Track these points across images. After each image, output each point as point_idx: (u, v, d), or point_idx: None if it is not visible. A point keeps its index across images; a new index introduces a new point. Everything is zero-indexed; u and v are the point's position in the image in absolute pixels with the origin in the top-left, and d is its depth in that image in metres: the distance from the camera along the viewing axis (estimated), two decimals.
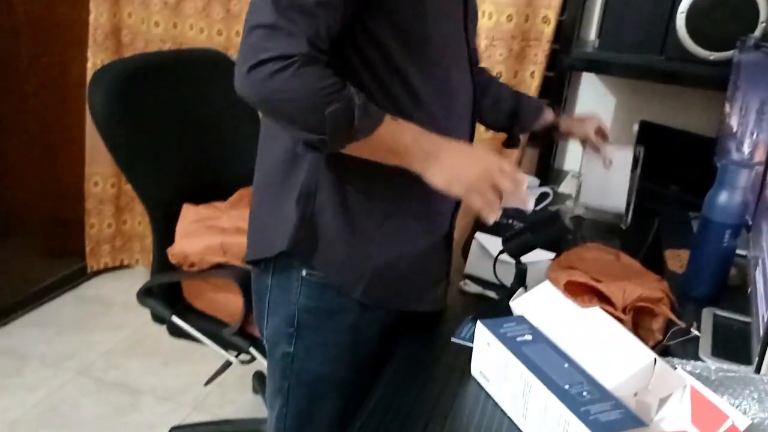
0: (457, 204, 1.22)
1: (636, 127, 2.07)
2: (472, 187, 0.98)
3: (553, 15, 2.04)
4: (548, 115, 1.44)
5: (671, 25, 1.83)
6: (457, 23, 1.10)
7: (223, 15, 2.39)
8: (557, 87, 1.96)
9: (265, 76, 0.88)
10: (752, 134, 1.42)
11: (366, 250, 1.09)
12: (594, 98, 2.20)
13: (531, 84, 2.13)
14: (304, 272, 1.10)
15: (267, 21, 0.89)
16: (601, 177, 1.59)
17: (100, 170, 2.64)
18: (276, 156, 1.09)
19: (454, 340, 1.15)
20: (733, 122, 1.63)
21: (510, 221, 1.54)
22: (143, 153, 1.63)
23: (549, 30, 2.07)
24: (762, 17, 1.74)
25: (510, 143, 1.47)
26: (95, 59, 2.50)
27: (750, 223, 1.32)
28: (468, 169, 0.98)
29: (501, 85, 1.44)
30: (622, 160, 1.58)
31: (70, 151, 2.62)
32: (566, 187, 1.94)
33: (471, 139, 1.19)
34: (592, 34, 2.14)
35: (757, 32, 1.74)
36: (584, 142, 1.47)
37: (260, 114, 1.03)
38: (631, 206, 1.67)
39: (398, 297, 1.15)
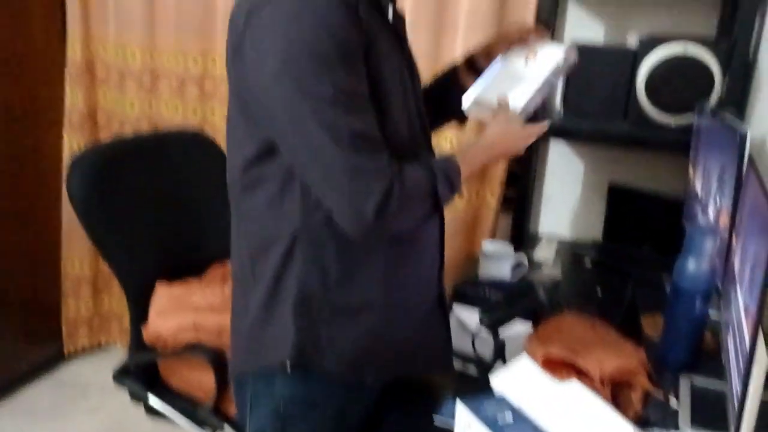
0: (441, 264, 1.27)
1: (605, 190, 2.12)
2: (523, 145, 1.23)
3: None
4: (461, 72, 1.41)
5: (632, 91, 1.89)
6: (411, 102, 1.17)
7: (198, 94, 2.43)
8: (526, 152, 2.00)
9: (390, 218, 1.00)
10: (715, 199, 1.46)
11: (365, 336, 1.13)
12: (563, 163, 2.26)
13: None
14: (288, 366, 1.10)
15: (347, 165, 0.97)
16: (513, 72, 1.32)
17: (77, 251, 2.62)
18: (264, 270, 1.11)
19: (436, 418, 1.15)
20: (698, 186, 1.68)
21: (486, 293, 1.56)
22: (120, 233, 1.65)
23: None
24: (717, 83, 1.81)
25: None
26: (71, 141, 2.52)
27: (720, 287, 1.35)
28: (514, 140, 1.22)
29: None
30: (546, 58, 1.30)
31: (46, 232, 2.60)
32: (541, 252, 1.97)
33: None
34: (557, 100, 2.21)
35: (713, 98, 1.81)
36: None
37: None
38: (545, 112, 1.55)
39: (408, 365, 1.20)
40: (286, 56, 0.96)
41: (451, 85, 1.41)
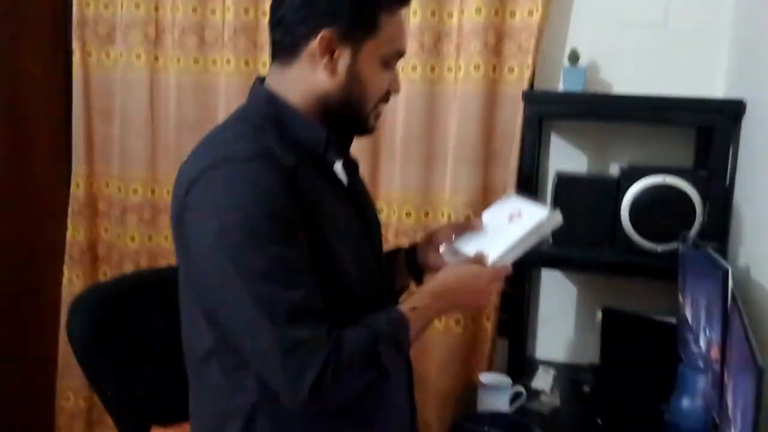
0: (410, 384, 1.26)
1: (599, 315, 2.14)
2: (486, 296, 1.21)
3: None
4: (401, 274, 1.42)
5: (617, 220, 1.96)
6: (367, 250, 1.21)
7: None
8: (519, 280, 2.05)
9: (328, 391, 0.97)
10: (705, 331, 1.49)
11: None
12: (556, 288, 2.30)
13: None
14: None
15: (281, 342, 0.96)
16: (495, 228, 1.36)
17: (72, 384, 2.59)
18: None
19: None
20: (688, 313, 1.71)
21: (485, 429, 1.55)
22: (117, 375, 1.64)
23: None
24: (698, 212, 1.88)
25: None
26: (71, 274, 2.55)
27: (717, 422, 1.35)
28: (475, 291, 1.18)
29: None
30: (529, 217, 1.34)
31: (41, 366, 2.59)
32: (539, 381, 1.97)
33: None
34: None
35: (696, 226, 1.87)
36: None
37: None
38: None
39: None
40: (220, 229, 0.98)
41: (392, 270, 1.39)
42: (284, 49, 1.13)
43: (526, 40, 2.13)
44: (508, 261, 1.25)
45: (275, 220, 0.99)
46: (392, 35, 1.14)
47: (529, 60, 2.11)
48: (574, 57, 2.08)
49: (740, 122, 1.86)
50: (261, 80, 1.19)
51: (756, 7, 1.83)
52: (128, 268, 2.50)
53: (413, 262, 1.40)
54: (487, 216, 1.40)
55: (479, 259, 1.22)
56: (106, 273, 2.56)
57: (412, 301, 1.13)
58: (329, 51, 1.10)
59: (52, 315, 2.54)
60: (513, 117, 2.14)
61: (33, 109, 2.53)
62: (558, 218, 1.33)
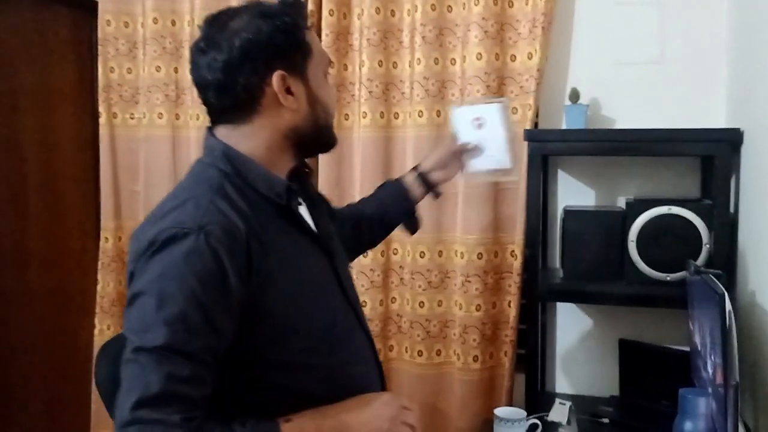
0: None
1: (616, 345, 2.16)
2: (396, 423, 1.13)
3: (519, 250, 2.23)
4: (415, 190, 1.64)
5: (625, 252, 1.99)
6: (331, 284, 1.24)
7: None
8: (532, 315, 2.08)
9: None
10: (711, 356, 1.51)
11: None
12: (571, 321, 2.32)
13: (509, 312, 2.26)
14: None
15: (135, 418, 0.94)
16: (477, 140, 1.66)
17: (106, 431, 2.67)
18: None
19: None
20: (697, 340, 1.73)
21: None
22: None
23: (518, 263, 2.24)
24: (704, 240, 1.91)
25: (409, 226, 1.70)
26: (102, 325, 2.65)
27: None
28: (379, 420, 1.12)
29: (361, 204, 1.68)
30: (490, 116, 1.66)
31: (74, 417, 2.67)
32: (556, 414, 1.99)
33: (379, 368, 1.32)
34: (558, 261, 2.31)
35: (703, 254, 1.90)
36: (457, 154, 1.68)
37: None
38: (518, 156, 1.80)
39: None
40: (148, 298, 1.00)
41: (402, 199, 1.62)
42: (234, 109, 1.14)
43: (527, 81, 2.21)
44: (514, 157, 1.64)
45: (206, 306, 1.00)
46: (318, 48, 1.21)
47: (531, 101, 2.19)
48: (574, 95, 2.16)
49: (739, 151, 1.90)
50: (210, 120, 1.19)
51: (750, 37, 1.89)
52: None
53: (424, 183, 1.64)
54: (464, 136, 1.67)
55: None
56: None
57: (299, 417, 1.08)
58: (286, 89, 1.14)
59: (86, 364, 2.63)
60: (519, 155, 2.20)
61: (64, 169, 2.68)
62: (505, 101, 1.70)
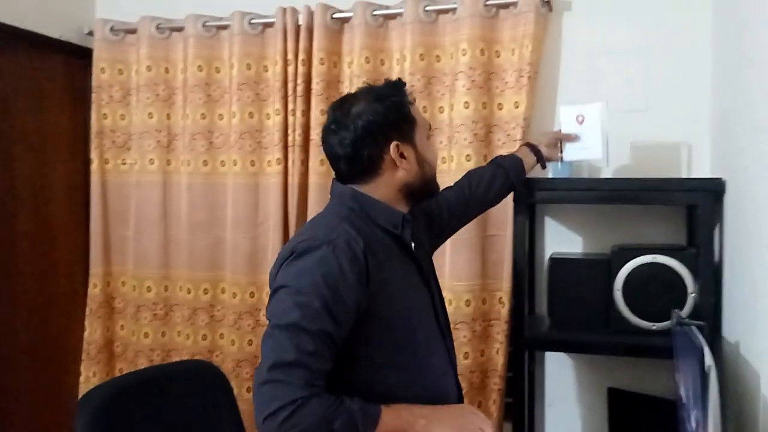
0: None
1: (605, 394, 2.15)
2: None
3: (506, 297, 2.23)
4: (529, 159, 1.96)
5: (611, 301, 1.99)
6: (426, 305, 1.48)
7: (208, 321, 2.58)
8: (519, 364, 2.07)
9: (279, 422, 1.17)
10: (694, 409, 1.50)
11: None
12: (560, 369, 2.31)
13: (498, 360, 2.25)
14: None
15: (269, 378, 1.20)
16: (578, 133, 2.02)
17: None
18: None
19: None
20: (682, 392, 1.71)
21: None
22: None
23: (505, 311, 2.24)
24: (690, 289, 1.91)
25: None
26: (88, 372, 2.63)
27: None
28: (461, 422, 1.33)
29: (478, 180, 1.88)
30: (590, 114, 2.01)
31: None
32: None
33: (458, 387, 1.54)
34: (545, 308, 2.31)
35: (688, 303, 1.90)
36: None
37: None
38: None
39: None
40: (287, 287, 1.28)
41: (520, 169, 1.93)
42: (360, 173, 1.43)
43: (514, 129, 2.24)
44: (607, 148, 1.96)
45: (327, 301, 1.25)
46: (420, 117, 1.50)
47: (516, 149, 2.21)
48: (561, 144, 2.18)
49: (722, 201, 1.91)
50: (337, 180, 1.48)
51: (732, 88, 1.91)
52: (142, 363, 2.58)
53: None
54: (566, 128, 2.03)
55: None
56: (122, 369, 2.64)
57: (399, 406, 1.30)
58: (400, 155, 1.42)
59: (71, 411, 2.58)
60: (506, 203, 2.21)
61: (55, 215, 2.69)
62: (605, 103, 2.00)
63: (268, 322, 1.30)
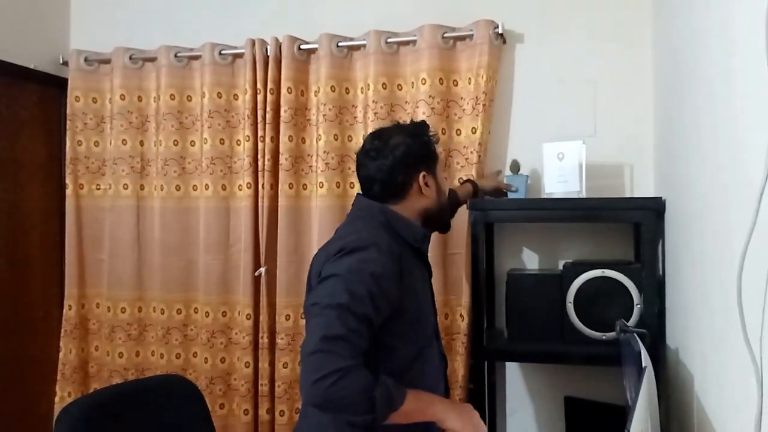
0: None
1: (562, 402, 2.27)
2: (472, 428, 1.52)
3: (466, 312, 2.35)
4: (465, 197, 2.19)
5: (564, 313, 2.12)
6: (431, 306, 1.74)
7: (181, 340, 2.66)
8: (481, 373, 2.19)
9: (328, 385, 1.34)
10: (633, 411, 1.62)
11: None
12: (518, 379, 2.43)
13: (459, 372, 2.36)
14: None
15: (319, 348, 1.38)
16: (557, 169, 2.23)
17: None
18: None
19: None
20: (629, 396, 1.84)
21: None
22: None
23: (464, 325, 2.36)
24: (635, 301, 2.05)
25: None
26: (62, 392, 2.69)
27: None
28: (469, 416, 1.54)
29: None
30: (571, 152, 2.21)
31: None
32: None
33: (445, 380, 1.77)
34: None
35: (635, 314, 2.04)
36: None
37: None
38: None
39: None
40: (335, 277, 1.48)
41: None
42: (390, 197, 1.66)
43: (472, 154, 2.38)
44: (581, 184, 2.17)
45: (372, 291, 1.45)
46: (439, 153, 1.77)
47: (474, 172, 2.35)
48: (515, 167, 2.33)
49: (663, 218, 2.06)
50: (361, 195, 1.71)
51: (670, 113, 2.07)
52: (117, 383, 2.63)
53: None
54: (548, 163, 2.22)
55: None
56: (96, 389, 2.68)
57: (418, 390, 1.52)
58: (425, 183, 1.67)
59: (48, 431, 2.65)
60: (464, 223, 2.35)
61: (30, 239, 2.75)
62: (582, 142, 2.21)
63: (311, 306, 1.48)
